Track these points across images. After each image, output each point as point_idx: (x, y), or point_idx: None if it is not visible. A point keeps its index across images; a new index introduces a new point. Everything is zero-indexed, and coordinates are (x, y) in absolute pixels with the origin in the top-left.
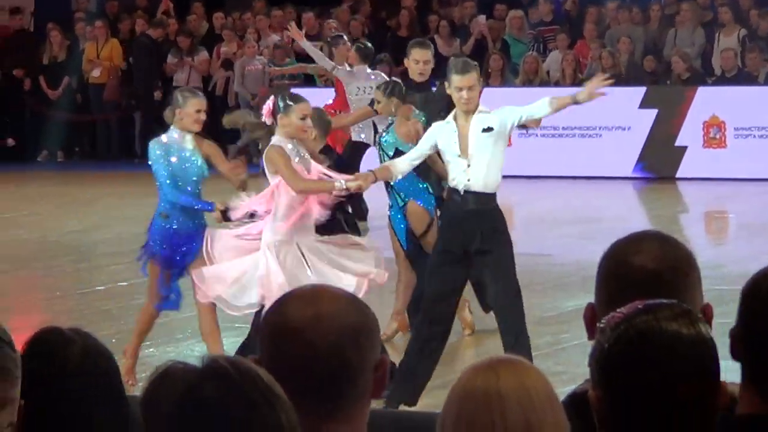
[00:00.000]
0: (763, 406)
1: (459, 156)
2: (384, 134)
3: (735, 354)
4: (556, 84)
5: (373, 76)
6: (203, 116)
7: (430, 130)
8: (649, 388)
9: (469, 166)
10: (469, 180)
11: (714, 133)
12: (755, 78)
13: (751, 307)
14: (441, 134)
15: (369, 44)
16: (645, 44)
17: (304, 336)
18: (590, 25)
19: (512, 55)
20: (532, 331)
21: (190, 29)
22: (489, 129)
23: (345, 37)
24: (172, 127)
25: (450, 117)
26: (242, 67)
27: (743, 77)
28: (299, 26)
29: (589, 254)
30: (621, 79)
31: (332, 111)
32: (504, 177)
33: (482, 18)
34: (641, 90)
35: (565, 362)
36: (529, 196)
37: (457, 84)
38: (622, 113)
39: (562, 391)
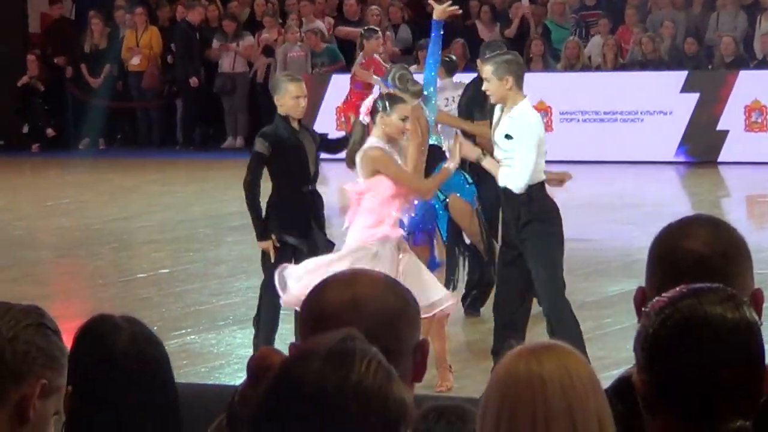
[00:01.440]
0: None
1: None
2: None
3: None
4: (597, 68)
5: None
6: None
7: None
8: (693, 372)
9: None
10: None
11: (756, 117)
12: None
13: None
14: None
15: (454, 57)
16: (687, 28)
17: (342, 320)
18: (632, 10)
19: (553, 41)
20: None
21: (233, 14)
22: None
23: (379, 32)
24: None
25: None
26: (284, 54)
27: None
28: (341, 12)
29: (630, 239)
30: (663, 64)
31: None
32: (547, 161)
33: (525, 1)
34: (683, 74)
35: (608, 347)
36: (571, 182)
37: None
38: (664, 97)
39: (605, 376)
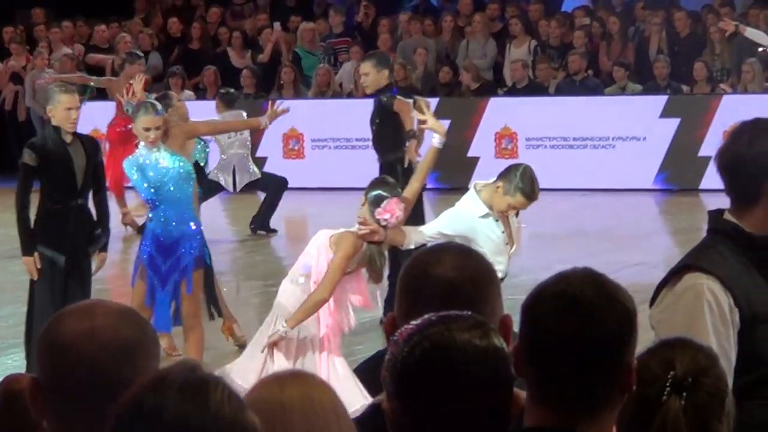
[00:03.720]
0: (553, 419)
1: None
2: None
3: (518, 371)
4: (350, 95)
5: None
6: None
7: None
8: (442, 398)
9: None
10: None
11: (506, 144)
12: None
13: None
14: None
15: (232, 90)
16: (438, 55)
17: (79, 351)
18: (385, 36)
19: (304, 68)
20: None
21: None
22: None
23: (142, 56)
24: None
25: (485, 209)
26: (32, 81)
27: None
28: (90, 38)
29: None
30: (416, 91)
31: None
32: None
33: (277, 25)
34: (433, 101)
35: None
36: (324, 208)
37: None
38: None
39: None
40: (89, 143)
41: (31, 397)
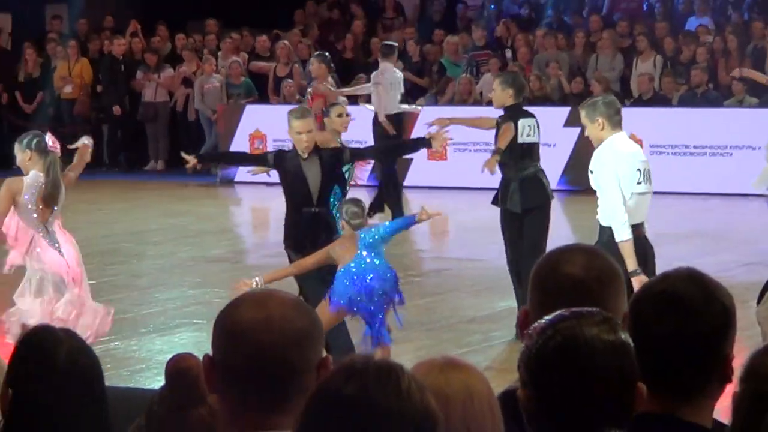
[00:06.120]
0: (657, 406)
1: None
2: None
3: None
4: (489, 104)
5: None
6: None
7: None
8: (571, 387)
9: None
10: None
11: None
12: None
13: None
14: None
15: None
16: (570, 68)
17: (254, 337)
18: (522, 50)
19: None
20: (465, 328)
21: (156, 48)
22: None
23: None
24: None
25: None
26: (201, 86)
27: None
28: (253, 47)
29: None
30: (547, 101)
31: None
32: (438, 188)
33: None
34: (566, 110)
35: (494, 358)
36: (466, 203)
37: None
38: (549, 131)
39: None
40: (328, 158)
41: (206, 373)
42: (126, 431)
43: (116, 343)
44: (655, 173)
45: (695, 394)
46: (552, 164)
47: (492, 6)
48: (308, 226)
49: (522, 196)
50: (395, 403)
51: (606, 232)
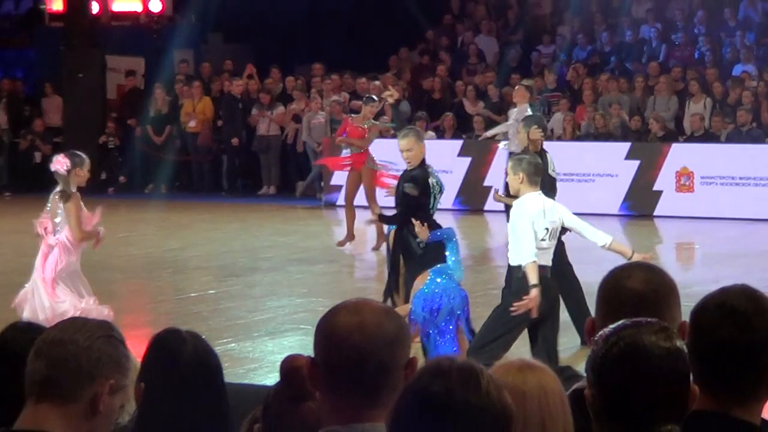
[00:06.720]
0: (712, 404)
1: None
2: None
3: None
4: (559, 139)
5: None
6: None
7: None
8: (632, 387)
9: None
10: None
11: (684, 181)
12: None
13: (698, 326)
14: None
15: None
16: (630, 108)
17: (350, 340)
18: (588, 92)
19: None
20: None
21: (269, 88)
22: None
23: (376, 99)
24: None
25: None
26: (308, 121)
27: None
28: (354, 87)
29: (581, 276)
30: (611, 136)
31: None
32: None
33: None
34: (627, 145)
35: (563, 362)
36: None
37: None
38: (611, 163)
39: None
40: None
41: (309, 373)
42: (241, 422)
43: (233, 344)
44: (705, 202)
45: (747, 395)
46: (614, 192)
47: (563, 54)
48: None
49: None
50: (475, 399)
51: (514, 273)
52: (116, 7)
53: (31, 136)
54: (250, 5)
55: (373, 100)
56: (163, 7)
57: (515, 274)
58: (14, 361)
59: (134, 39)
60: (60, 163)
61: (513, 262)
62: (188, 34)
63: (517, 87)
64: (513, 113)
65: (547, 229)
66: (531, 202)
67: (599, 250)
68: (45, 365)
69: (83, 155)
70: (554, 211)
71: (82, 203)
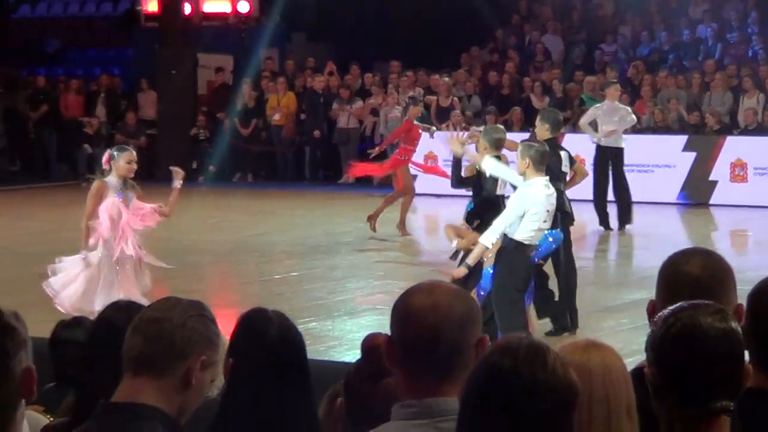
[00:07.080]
0: (765, 383)
1: None
2: None
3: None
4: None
5: None
6: None
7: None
8: (689, 366)
9: None
10: None
11: (738, 171)
12: None
13: (755, 309)
14: None
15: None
16: (687, 103)
17: (424, 319)
18: (646, 88)
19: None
20: (600, 316)
21: (349, 84)
22: None
23: (422, 101)
24: None
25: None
26: (385, 115)
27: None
28: (428, 83)
29: (643, 260)
30: (669, 129)
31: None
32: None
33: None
34: (684, 137)
35: (624, 341)
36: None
37: None
38: (669, 154)
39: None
40: None
41: (386, 351)
42: (322, 397)
43: (314, 323)
44: (759, 191)
45: None
46: (672, 182)
47: (624, 53)
48: None
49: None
50: (542, 375)
51: (506, 246)
52: (207, 8)
53: (120, 134)
54: (332, 6)
55: (419, 100)
56: (250, 8)
57: (508, 246)
58: (115, 337)
59: (223, 38)
60: (104, 157)
61: (510, 234)
62: (274, 34)
63: (612, 85)
64: (602, 107)
65: (548, 211)
66: (538, 187)
67: (661, 237)
68: (141, 341)
69: (124, 148)
70: (554, 197)
71: (110, 194)
